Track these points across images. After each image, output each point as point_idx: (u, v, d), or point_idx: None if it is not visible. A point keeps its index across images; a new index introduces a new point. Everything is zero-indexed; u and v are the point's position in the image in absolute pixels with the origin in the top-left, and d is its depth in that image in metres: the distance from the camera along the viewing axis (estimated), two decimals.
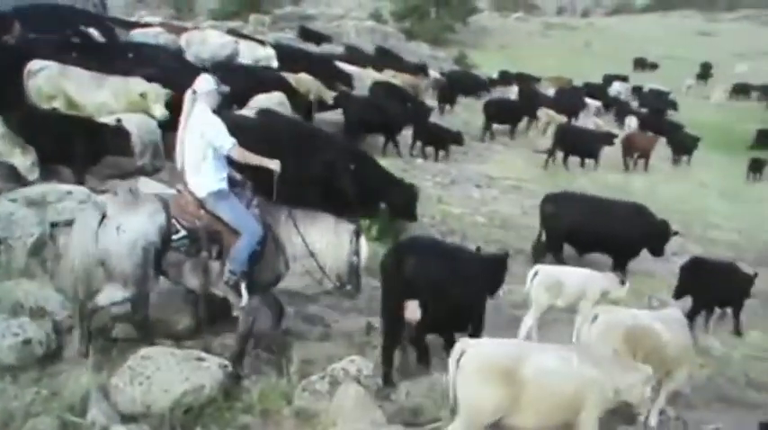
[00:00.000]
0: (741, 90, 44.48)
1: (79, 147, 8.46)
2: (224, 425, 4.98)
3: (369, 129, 15.64)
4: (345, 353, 5.95)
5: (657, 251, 11.33)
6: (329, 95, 15.52)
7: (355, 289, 6.12)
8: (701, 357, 7.81)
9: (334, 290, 6.36)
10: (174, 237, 5.57)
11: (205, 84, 5.74)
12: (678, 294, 9.65)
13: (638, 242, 11.12)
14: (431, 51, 39.14)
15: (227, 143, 5.64)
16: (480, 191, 14.65)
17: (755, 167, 24.89)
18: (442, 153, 17.25)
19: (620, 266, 10.76)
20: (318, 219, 6.00)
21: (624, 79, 43.80)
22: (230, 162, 5.88)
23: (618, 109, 32.46)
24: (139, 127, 9.46)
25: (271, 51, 18.35)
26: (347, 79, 18.96)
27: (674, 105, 37.24)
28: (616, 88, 39.97)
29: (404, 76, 23.13)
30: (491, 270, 6.98)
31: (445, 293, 6.01)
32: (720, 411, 6.97)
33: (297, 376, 5.54)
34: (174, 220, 5.58)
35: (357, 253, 5.96)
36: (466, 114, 24.03)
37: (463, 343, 4.78)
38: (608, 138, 21.03)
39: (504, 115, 22.45)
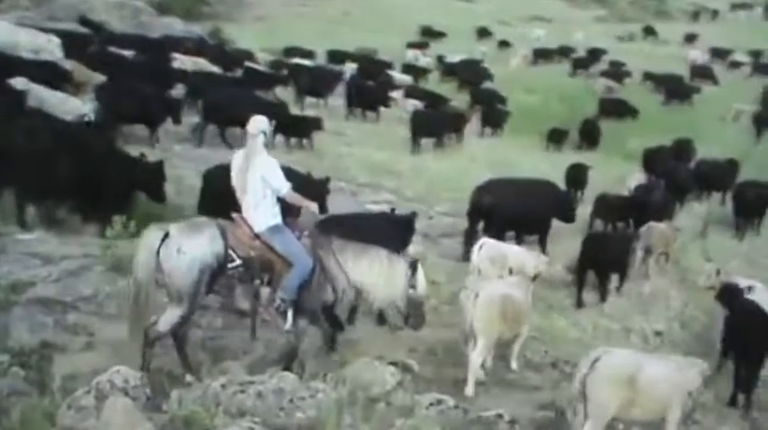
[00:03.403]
0: (541, 54, 50.14)
1: None
2: None
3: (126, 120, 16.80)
4: (111, 364, 6.35)
5: (570, 218, 14.80)
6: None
7: (419, 321, 7.74)
8: None
9: (398, 321, 8.01)
10: (230, 265, 6.99)
11: (261, 125, 7.28)
12: (582, 266, 12.27)
13: (555, 215, 14.03)
14: (184, 26, 39.77)
15: (284, 187, 7.21)
16: None
17: (555, 138, 27.90)
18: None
19: (543, 242, 14.03)
20: (368, 252, 7.58)
21: (422, 46, 48.72)
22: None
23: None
24: None
25: (55, 39, 18.97)
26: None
27: (489, 76, 40.37)
28: (412, 58, 44.20)
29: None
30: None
31: None
32: (499, 395, 8.28)
33: (60, 393, 5.92)
34: (230, 250, 6.97)
35: (414, 285, 7.50)
36: None
37: (597, 351, 6.87)
38: (460, 121, 24.54)
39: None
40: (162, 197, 11.88)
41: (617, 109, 34.38)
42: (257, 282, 7.18)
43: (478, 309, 8.33)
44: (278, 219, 7.30)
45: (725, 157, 23.09)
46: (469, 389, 8.17)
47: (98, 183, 10.83)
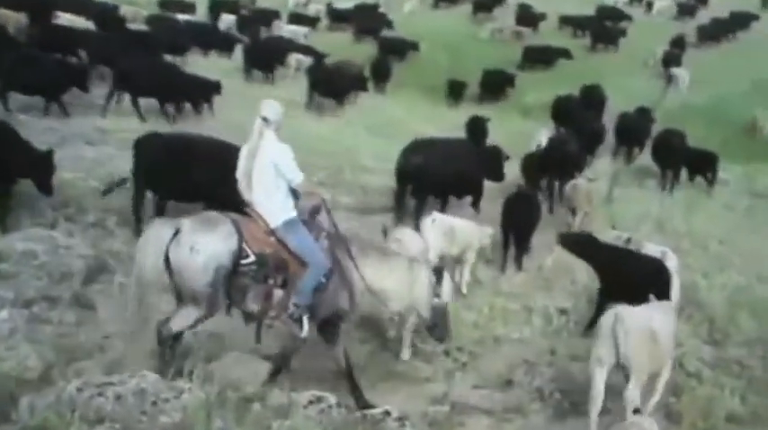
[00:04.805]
0: None
1: None
2: None
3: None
4: None
5: (500, 177, 16.07)
6: None
7: (444, 332, 8.41)
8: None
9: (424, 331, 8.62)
10: (243, 261, 7.40)
11: (275, 111, 7.73)
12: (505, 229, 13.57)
13: (485, 174, 15.20)
14: None
15: (298, 177, 7.64)
16: (94, 149, 15.69)
17: (454, 91, 28.90)
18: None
19: (476, 205, 15.27)
20: (389, 257, 8.16)
21: None
22: None
23: None
24: None
25: None
26: None
27: (388, 23, 41.31)
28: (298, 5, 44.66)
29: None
30: None
31: None
32: (387, 390, 8.80)
33: None
34: (244, 245, 7.39)
35: (439, 294, 8.07)
36: None
37: (618, 309, 8.12)
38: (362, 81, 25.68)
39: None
40: (50, 190, 11.92)
41: (543, 56, 36.26)
42: (270, 281, 7.61)
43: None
44: (293, 214, 7.76)
45: (640, 109, 24.60)
46: None
47: None
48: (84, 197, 12.73)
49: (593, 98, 27.92)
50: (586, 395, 8.61)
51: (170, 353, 7.56)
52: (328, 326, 8.10)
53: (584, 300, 11.96)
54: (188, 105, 20.51)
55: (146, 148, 11.95)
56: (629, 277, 10.77)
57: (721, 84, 34.43)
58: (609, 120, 25.50)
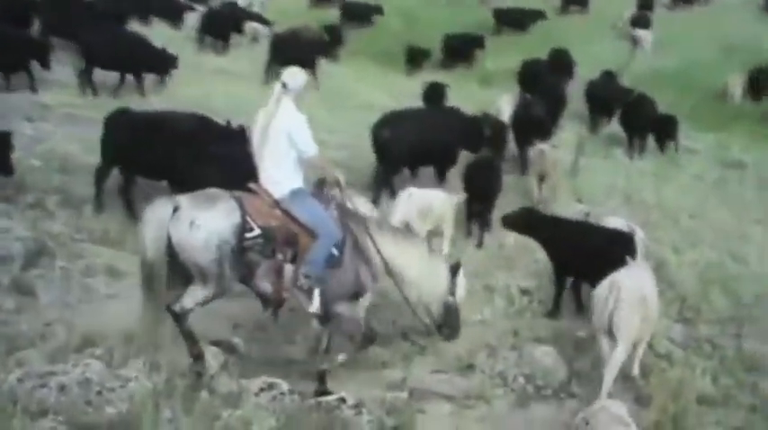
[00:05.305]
0: None
1: None
2: None
3: None
4: None
5: (478, 147, 16.21)
6: None
7: (454, 332, 8.52)
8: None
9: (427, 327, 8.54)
10: (248, 235, 7.49)
11: (297, 78, 7.87)
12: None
13: (462, 144, 15.85)
14: None
15: (311, 149, 7.83)
16: (33, 125, 15.63)
17: (414, 58, 28.98)
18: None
19: (443, 175, 15.79)
20: (409, 239, 8.43)
21: None
22: None
23: None
24: None
25: None
26: None
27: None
28: None
29: None
30: None
31: None
32: (342, 376, 8.63)
33: None
34: (248, 218, 7.48)
35: (453, 292, 8.22)
36: None
37: (616, 275, 8.76)
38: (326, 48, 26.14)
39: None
40: (10, 170, 12.11)
41: (516, 19, 36.47)
42: (279, 256, 7.69)
43: None
44: (300, 184, 7.94)
45: (606, 72, 24.88)
46: None
47: None
48: (23, 176, 12.70)
49: (561, 63, 28.12)
50: (551, 379, 8.82)
51: (188, 330, 7.67)
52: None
53: (547, 280, 12.01)
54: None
55: (117, 124, 12.19)
56: (579, 250, 10.93)
57: (693, 48, 34.82)
58: (575, 86, 25.81)
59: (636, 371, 9.39)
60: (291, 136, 7.75)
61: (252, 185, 7.94)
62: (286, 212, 7.80)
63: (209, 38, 28.76)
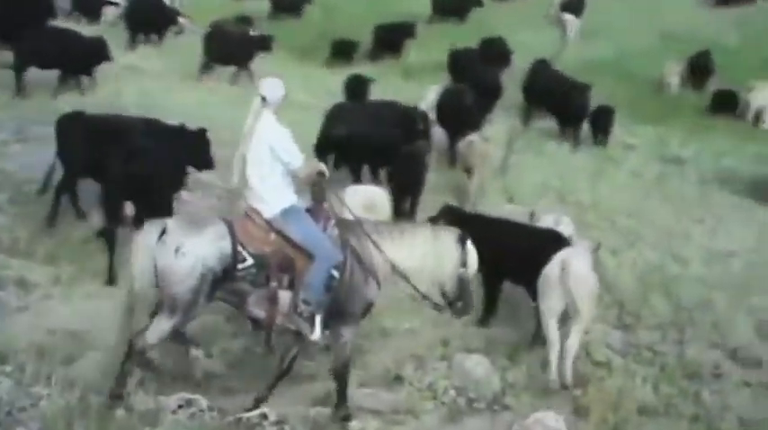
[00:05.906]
0: None
1: None
2: None
3: None
4: None
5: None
6: None
7: (467, 306, 8.43)
8: None
9: (441, 308, 8.52)
10: (240, 266, 7.53)
11: (276, 90, 7.96)
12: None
13: (403, 138, 15.80)
14: None
15: (296, 161, 7.83)
16: None
17: (342, 52, 29.34)
18: None
19: (376, 171, 16.31)
20: (410, 231, 8.26)
21: None
22: None
23: None
24: None
25: None
26: None
27: None
28: None
29: None
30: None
31: None
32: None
33: None
34: (239, 247, 7.52)
35: (465, 263, 8.13)
36: None
37: (563, 254, 9.44)
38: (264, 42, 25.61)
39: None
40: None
41: (453, 6, 36.58)
42: (273, 284, 7.73)
43: None
44: (292, 201, 7.96)
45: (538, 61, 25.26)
46: None
47: None
48: None
49: (493, 52, 28.35)
50: (484, 390, 8.97)
51: (131, 368, 7.66)
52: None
53: (476, 284, 12.05)
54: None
55: (69, 128, 12.25)
56: (509, 251, 10.96)
57: (630, 35, 35.46)
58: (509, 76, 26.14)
59: (569, 379, 9.58)
60: (274, 150, 7.80)
61: (244, 206, 8.05)
62: (280, 233, 7.85)
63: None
